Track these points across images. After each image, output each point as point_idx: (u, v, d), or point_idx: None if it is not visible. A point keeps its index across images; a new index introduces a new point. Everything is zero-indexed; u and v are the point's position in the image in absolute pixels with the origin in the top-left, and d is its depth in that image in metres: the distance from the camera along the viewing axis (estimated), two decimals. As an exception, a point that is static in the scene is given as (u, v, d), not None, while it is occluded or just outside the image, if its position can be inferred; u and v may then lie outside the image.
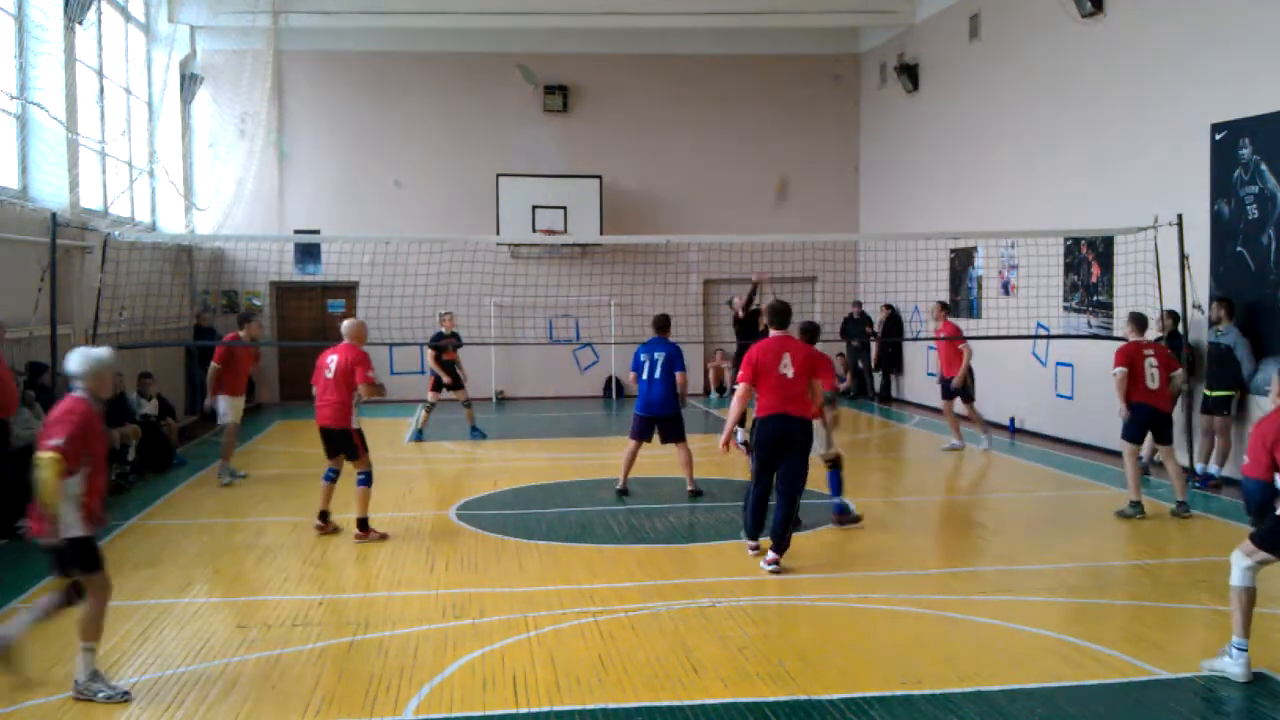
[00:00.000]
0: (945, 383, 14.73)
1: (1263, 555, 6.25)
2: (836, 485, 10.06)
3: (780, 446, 8.61)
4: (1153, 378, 10.48)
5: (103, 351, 6.39)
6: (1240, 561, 6.31)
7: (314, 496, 11.02)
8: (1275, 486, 6.26)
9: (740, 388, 8.74)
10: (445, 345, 15.85)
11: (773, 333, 8.85)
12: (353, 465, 9.93)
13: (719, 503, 11.45)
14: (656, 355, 11.52)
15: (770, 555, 8.62)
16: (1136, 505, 10.49)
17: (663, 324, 11.88)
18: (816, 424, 9.40)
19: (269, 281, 20.88)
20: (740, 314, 13.78)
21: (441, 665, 6.52)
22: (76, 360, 6.26)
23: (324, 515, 10.10)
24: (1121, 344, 10.75)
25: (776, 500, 8.73)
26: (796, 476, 8.66)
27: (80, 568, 6.09)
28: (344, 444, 9.95)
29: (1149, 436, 10.91)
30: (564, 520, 10.60)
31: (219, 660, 6.72)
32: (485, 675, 6.37)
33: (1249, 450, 6.37)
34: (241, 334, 12.86)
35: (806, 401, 8.65)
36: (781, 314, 8.84)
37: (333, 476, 10.10)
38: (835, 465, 10.04)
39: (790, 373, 8.53)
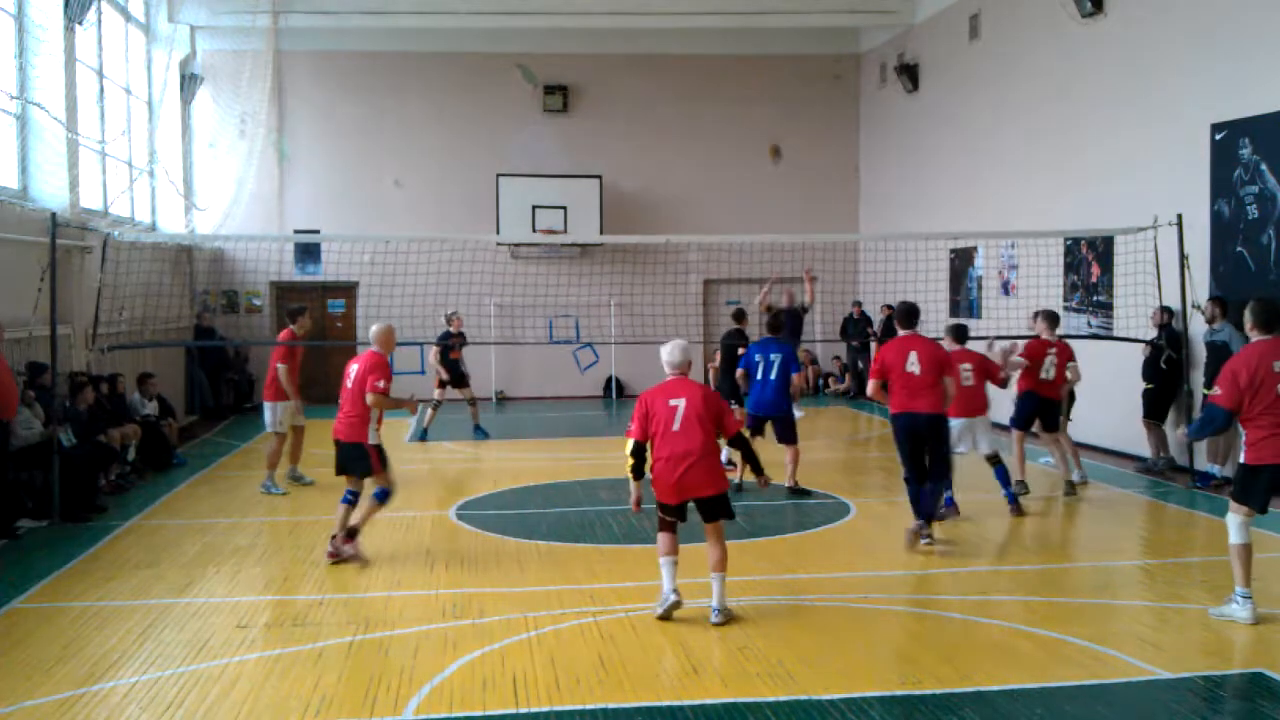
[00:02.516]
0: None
1: (1246, 509, 7.21)
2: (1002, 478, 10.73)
3: (915, 439, 9.12)
4: (1048, 371, 11.37)
5: (684, 342, 7.59)
6: (1233, 521, 7.27)
7: (315, 496, 11.04)
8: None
9: (870, 384, 9.42)
10: (453, 345, 15.87)
11: (901, 332, 9.37)
12: (372, 481, 9.15)
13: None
14: (772, 356, 11.71)
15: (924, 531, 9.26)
16: (1022, 484, 11.26)
17: (776, 325, 12.14)
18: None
19: (269, 281, 20.89)
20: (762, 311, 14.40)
21: (441, 665, 6.52)
22: (671, 350, 7.49)
23: (341, 537, 9.09)
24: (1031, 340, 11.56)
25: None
26: (936, 467, 9.22)
27: (728, 515, 7.42)
28: (356, 460, 9.07)
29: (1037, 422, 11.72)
30: (564, 520, 10.60)
31: (219, 660, 6.72)
32: (485, 675, 6.37)
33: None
34: (295, 329, 12.09)
35: (936, 397, 9.04)
36: (909, 315, 9.42)
37: (350, 499, 9.09)
38: (995, 461, 10.71)
39: (917, 370, 9.00)
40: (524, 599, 7.84)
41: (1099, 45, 14.47)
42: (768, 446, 11.11)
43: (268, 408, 12.15)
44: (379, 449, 9.07)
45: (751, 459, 7.66)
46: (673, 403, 7.22)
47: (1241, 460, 7.28)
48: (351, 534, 9.07)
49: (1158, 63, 13.35)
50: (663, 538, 7.38)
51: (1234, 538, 7.29)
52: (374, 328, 9.44)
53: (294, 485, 12.28)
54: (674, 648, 6.82)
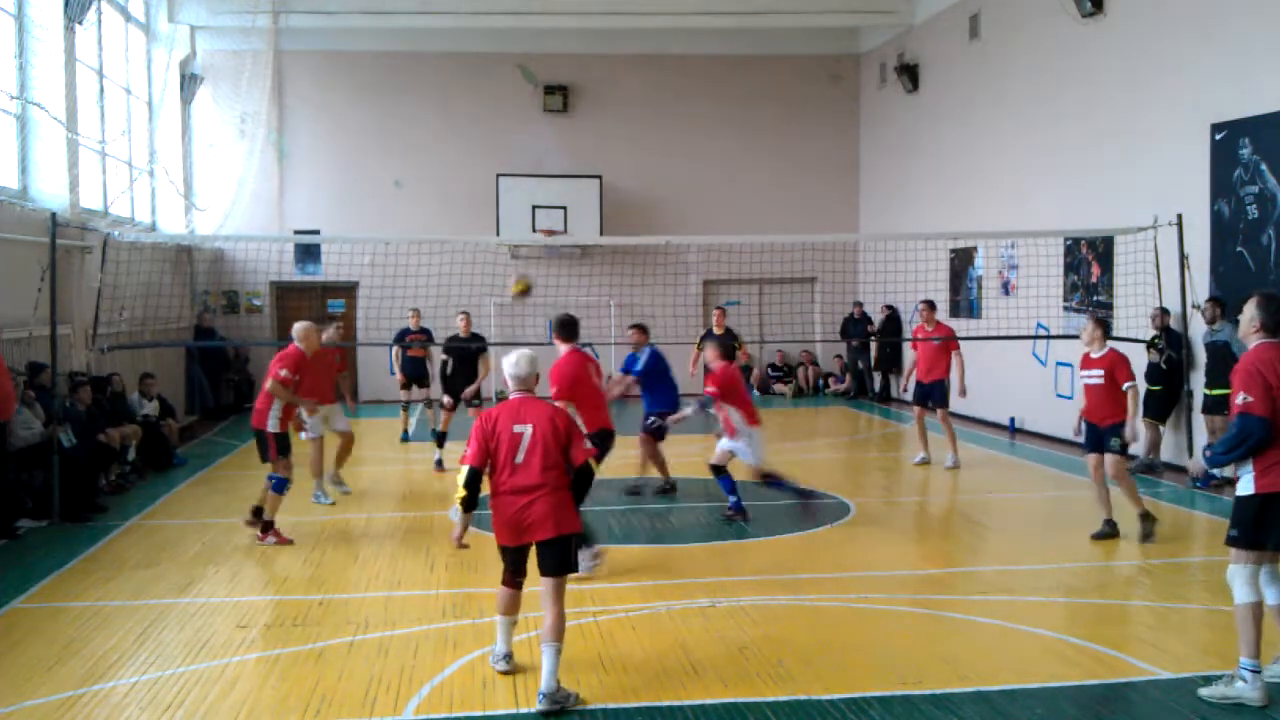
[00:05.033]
0: (922, 387, 13.49)
1: (1255, 554, 5.83)
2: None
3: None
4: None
5: (530, 352, 6.47)
6: (1239, 574, 5.85)
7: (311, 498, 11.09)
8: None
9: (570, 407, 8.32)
10: (410, 343, 15.76)
11: (565, 347, 8.56)
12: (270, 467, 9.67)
13: (719, 502, 11.44)
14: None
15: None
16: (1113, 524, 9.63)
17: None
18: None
19: (269, 281, 20.88)
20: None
21: (441, 665, 6.53)
22: (517, 363, 6.38)
23: (268, 520, 9.71)
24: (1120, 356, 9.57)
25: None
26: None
27: (571, 567, 6.26)
28: (259, 445, 9.81)
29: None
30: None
31: (219, 660, 6.72)
32: (485, 675, 6.37)
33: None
34: (321, 337, 11.69)
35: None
36: (570, 327, 8.56)
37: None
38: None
39: (603, 383, 8.82)
40: (524, 599, 7.81)
41: (1099, 45, 14.46)
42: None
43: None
44: (277, 437, 9.64)
45: (579, 493, 6.32)
46: (518, 429, 6.11)
47: (1247, 492, 5.82)
48: (257, 518, 9.69)
49: (1158, 63, 13.34)
50: (502, 593, 6.38)
51: (1241, 595, 5.80)
52: (296, 325, 10.17)
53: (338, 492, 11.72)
54: (674, 648, 6.81)
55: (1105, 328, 9.75)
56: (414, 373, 15.88)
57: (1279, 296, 6.19)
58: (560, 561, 6.13)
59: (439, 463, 13.52)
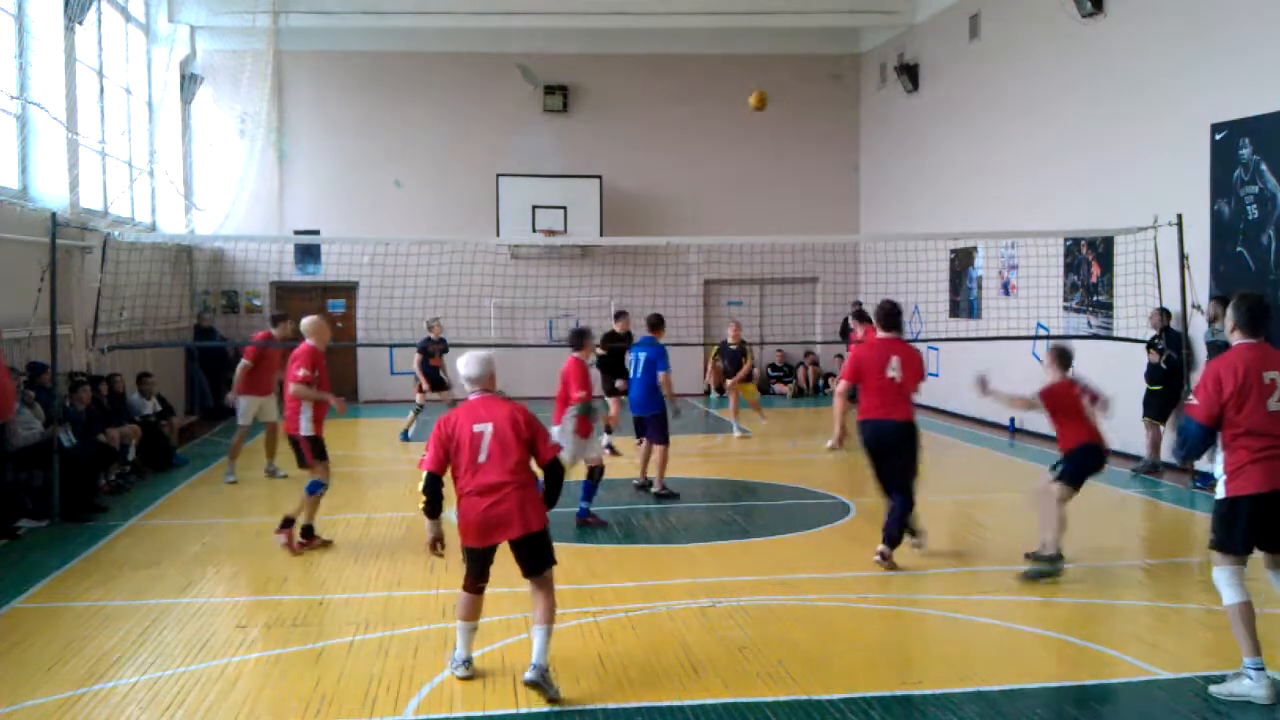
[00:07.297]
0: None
1: (1234, 556, 5.91)
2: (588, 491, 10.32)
3: (880, 449, 8.67)
4: (1091, 415, 8.59)
5: (485, 353, 6.39)
6: (1222, 576, 5.93)
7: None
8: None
9: (841, 385, 8.88)
10: (433, 351, 15.95)
11: (881, 334, 8.89)
12: (305, 471, 9.53)
13: (719, 502, 11.44)
14: (640, 355, 11.60)
15: (882, 548, 8.64)
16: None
17: (655, 323, 11.81)
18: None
19: (269, 281, 20.87)
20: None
21: (441, 665, 6.52)
22: (469, 363, 6.31)
23: (293, 524, 9.43)
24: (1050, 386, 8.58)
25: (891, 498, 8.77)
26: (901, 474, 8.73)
27: (549, 560, 6.22)
28: (295, 450, 9.48)
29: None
30: (565, 520, 10.57)
31: (219, 660, 6.72)
32: (485, 675, 6.37)
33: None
34: (275, 333, 12.73)
35: (906, 405, 8.58)
36: (891, 315, 8.86)
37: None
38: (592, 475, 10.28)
39: (897, 376, 8.50)
40: (524, 599, 7.80)
41: (1099, 45, 14.46)
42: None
43: (240, 400, 12.77)
44: (311, 440, 9.40)
45: (551, 493, 6.28)
46: (478, 428, 6.05)
47: (1219, 495, 5.95)
48: (305, 532, 9.45)
49: (1158, 63, 13.34)
50: (463, 598, 6.29)
51: (1229, 597, 5.88)
52: (304, 319, 9.88)
53: (269, 479, 12.86)
54: (674, 648, 6.81)
55: (1066, 360, 8.60)
56: (434, 380, 16.16)
57: (1253, 295, 6.16)
58: (539, 559, 6.15)
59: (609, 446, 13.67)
